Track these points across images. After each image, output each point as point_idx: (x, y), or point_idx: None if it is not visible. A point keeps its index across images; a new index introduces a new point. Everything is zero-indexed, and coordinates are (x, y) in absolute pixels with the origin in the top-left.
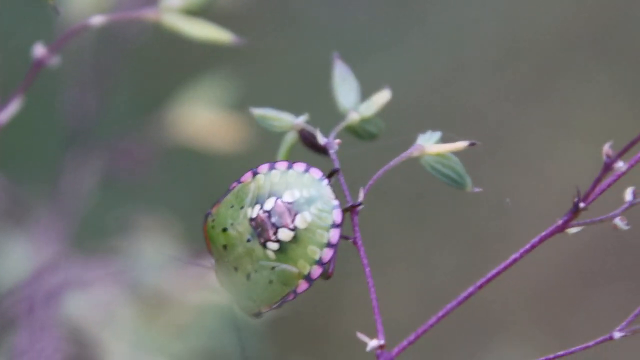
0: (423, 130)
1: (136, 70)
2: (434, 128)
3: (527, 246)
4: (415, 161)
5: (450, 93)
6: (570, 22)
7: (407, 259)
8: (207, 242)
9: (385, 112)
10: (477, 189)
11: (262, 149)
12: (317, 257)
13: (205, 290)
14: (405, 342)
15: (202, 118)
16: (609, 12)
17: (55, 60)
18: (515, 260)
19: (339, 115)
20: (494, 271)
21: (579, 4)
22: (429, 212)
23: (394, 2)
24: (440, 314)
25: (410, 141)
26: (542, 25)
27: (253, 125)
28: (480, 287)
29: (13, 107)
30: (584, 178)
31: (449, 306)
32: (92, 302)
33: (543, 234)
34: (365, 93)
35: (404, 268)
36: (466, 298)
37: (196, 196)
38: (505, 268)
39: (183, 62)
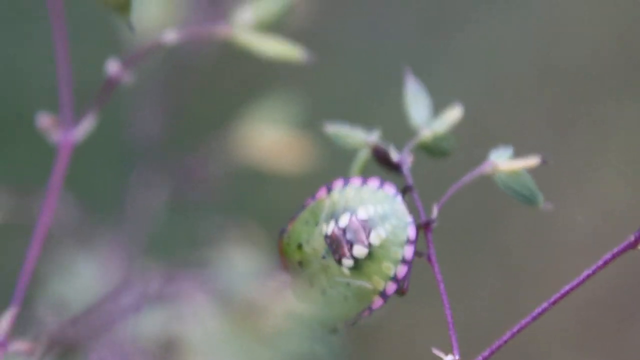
0: (464, 155)
1: (202, 87)
2: (471, 154)
3: (600, 262)
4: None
5: (486, 119)
6: (606, 48)
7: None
8: (282, 258)
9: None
10: (548, 206)
11: (327, 168)
12: (391, 273)
13: (290, 300)
14: (480, 358)
15: (268, 137)
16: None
17: (128, 78)
18: (588, 277)
19: (390, 134)
20: (567, 287)
21: (614, 30)
22: (464, 243)
23: (428, 28)
24: (514, 329)
25: (479, 159)
26: (578, 51)
27: (318, 144)
28: (555, 302)
29: (88, 124)
30: (621, 204)
31: (523, 322)
32: (179, 315)
33: (616, 250)
34: (398, 119)
35: (436, 300)
36: (540, 314)
37: (259, 216)
38: (579, 284)
39: (247, 80)
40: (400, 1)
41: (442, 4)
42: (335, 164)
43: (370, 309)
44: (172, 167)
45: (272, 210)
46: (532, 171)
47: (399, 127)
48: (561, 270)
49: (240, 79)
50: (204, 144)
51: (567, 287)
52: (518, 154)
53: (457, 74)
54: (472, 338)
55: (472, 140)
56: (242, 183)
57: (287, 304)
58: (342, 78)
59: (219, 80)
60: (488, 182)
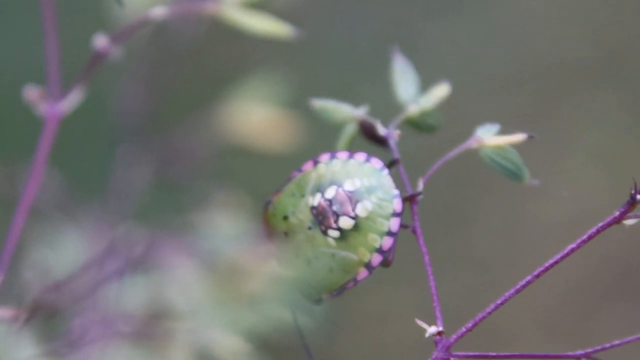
0: (433, 151)
1: (189, 65)
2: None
3: (584, 237)
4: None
5: (457, 117)
6: (580, 42)
7: (409, 277)
8: (267, 229)
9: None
10: (534, 181)
11: (313, 147)
12: (377, 245)
13: (274, 266)
14: (463, 329)
15: (254, 115)
16: (613, 35)
17: (116, 53)
18: (572, 251)
19: (376, 114)
20: (551, 261)
21: (587, 25)
22: (433, 232)
23: (400, 25)
24: (498, 301)
25: (466, 135)
26: (551, 46)
27: (305, 123)
28: (539, 275)
29: (75, 98)
30: (591, 198)
31: (507, 294)
32: (163, 279)
33: (600, 224)
34: (377, 113)
35: (407, 286)
36: (524, 286)
37: (245, 190)
38: (563, 258)
39: (234, 59)
40: None
41: None
42: (321, 143)
43: (355, 280)
44: (158, 144)
45: (258, 186)
46: None
47: (385, 107)
48: (534, 256)
49: (228, 58)
50: (190, 121)
51: (550, 261)
52: None
53: (432, 66)
54: (446, 316)
55: (448, 131)
56: (228, 160)
57: (271, 268)
58: (327, 59)
59: (206, 59)
60: (464, 166)
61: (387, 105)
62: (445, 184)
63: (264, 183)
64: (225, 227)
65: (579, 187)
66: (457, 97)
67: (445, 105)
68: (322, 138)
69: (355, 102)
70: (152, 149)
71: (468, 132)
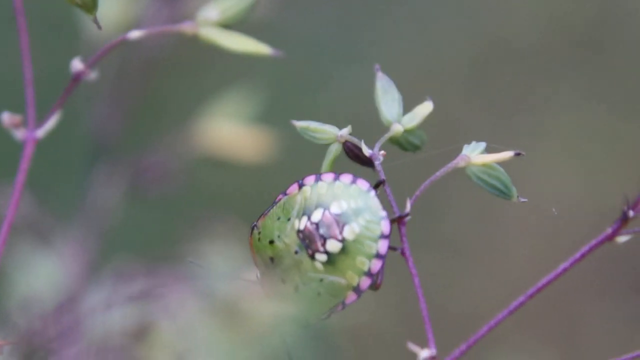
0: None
1: (161, 82)
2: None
3: (577, 255)
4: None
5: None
6: (545, 26)
7: (392, 274)
8: (252, 254)
9: (366, 126)
10: (522, 199)
11: (289, 157)
12: (365, 268)
13: (264, 297)
14: (457, 352)
15: (227, 130)
16: (584, 14)
17: (93, 76)
18: (565, 270)
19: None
20: (544, 280)
21: (553, 10)
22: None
23: (366, 12)
24: (491, 323)
25: (453, 152)
26: (516, 31)
27: (280, 135)
28: (532, 296)
29: (52, 123)
30: (565, 184)
31: (500, 316)
32: (154, 311)
33: (593, 243)
34: (342, 102)
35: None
36: (517, 307)
37: (224, 206)
38: (557, 277)
39: (205, 72)
40: None
41: None
42: (297, 154)
43: (343, 304)
44: (133, 162)
45: (237, 201)
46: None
47: (358, 91)
48: (508, 238)
49: (199, 72)
50: (164, 138)
51: (544, 280)
52: (467, 140)
53: (393, 63)
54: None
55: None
56: (202, 175)
57: (262, 301)
58: (295, 69)
59: (177, 74)
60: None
61: (360, 90)
62: (420, 168)
63: (241, 198)
64: (216, 258)
65: (552, 171)
66: (427, 85)
67: (418, 95)
68: (300, 147)
69: (330, 89)
70: (127, 166)
71: (444, 128)
